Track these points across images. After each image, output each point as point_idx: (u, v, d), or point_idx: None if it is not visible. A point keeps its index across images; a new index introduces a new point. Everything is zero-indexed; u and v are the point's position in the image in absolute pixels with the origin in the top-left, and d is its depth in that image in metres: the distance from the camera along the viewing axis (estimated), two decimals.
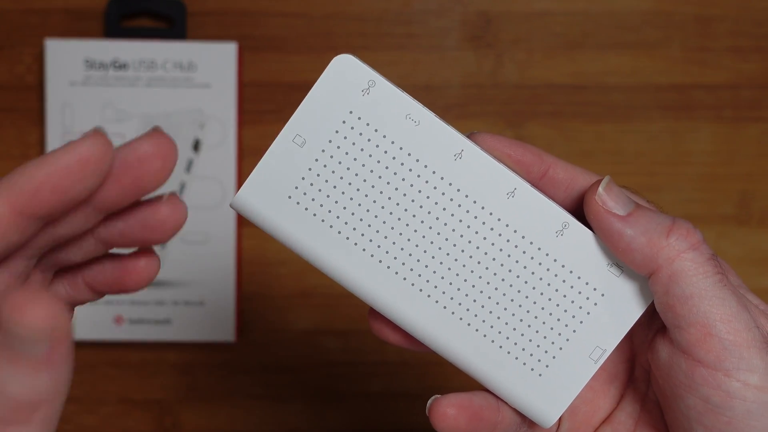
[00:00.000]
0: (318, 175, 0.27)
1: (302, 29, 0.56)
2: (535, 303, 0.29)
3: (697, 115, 0.57)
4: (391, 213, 0.28)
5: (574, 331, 0.29)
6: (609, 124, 0.57)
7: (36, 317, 0.21)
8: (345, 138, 0.27)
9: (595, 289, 0.29)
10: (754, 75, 0.57)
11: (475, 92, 0.57)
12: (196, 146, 0.55)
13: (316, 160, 0.27)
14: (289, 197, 0.28)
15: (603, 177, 0.29)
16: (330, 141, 0.27)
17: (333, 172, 0.27)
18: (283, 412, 0.58)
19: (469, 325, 0.29)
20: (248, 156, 0.56)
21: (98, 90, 0.55)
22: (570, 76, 0.57)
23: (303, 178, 0.28)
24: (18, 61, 0.56)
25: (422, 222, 0.28)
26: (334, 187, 0.28)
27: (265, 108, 0.57)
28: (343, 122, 0.27)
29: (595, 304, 0.29)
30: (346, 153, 0.27)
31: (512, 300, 0.29)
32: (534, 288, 0.29)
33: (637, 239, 0.27)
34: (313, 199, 0.28)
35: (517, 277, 0.28)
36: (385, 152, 0.27)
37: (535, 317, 0.29)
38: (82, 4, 0.56)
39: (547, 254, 0.28)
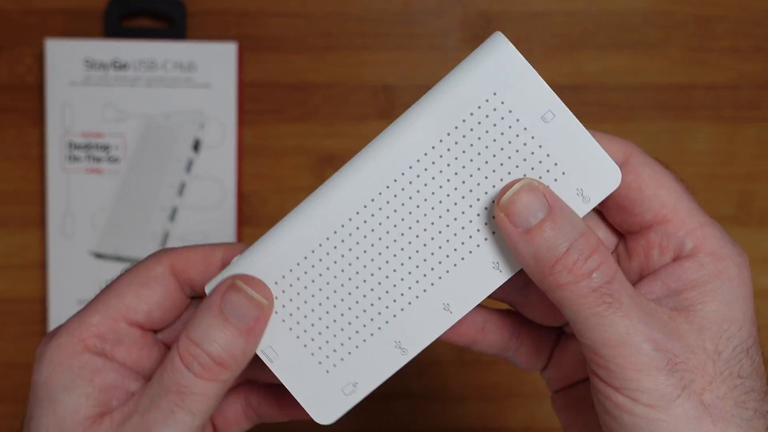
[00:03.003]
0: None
1: (302, 29, 0.56)
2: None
3: (697, 115, 0.57)
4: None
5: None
6: (609, 124, 0.57)
7: (260, 290, 0.29)
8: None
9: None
10: (754, 75, 0.57)
11: None
12: (196, 146, 0.55)
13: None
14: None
15: (522, 181, 0.28)
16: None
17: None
18: None
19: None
20: (248, 156, 0.56)
21: (98, 90, 0.55)
22: (570, 76, 0.57)
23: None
24: (18, 61, 0.56)
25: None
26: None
27: (265, 108, 0.57)
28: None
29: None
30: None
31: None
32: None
33: (527, 260, 0.27)
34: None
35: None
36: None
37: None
38: (82, 4, 0.56)
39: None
